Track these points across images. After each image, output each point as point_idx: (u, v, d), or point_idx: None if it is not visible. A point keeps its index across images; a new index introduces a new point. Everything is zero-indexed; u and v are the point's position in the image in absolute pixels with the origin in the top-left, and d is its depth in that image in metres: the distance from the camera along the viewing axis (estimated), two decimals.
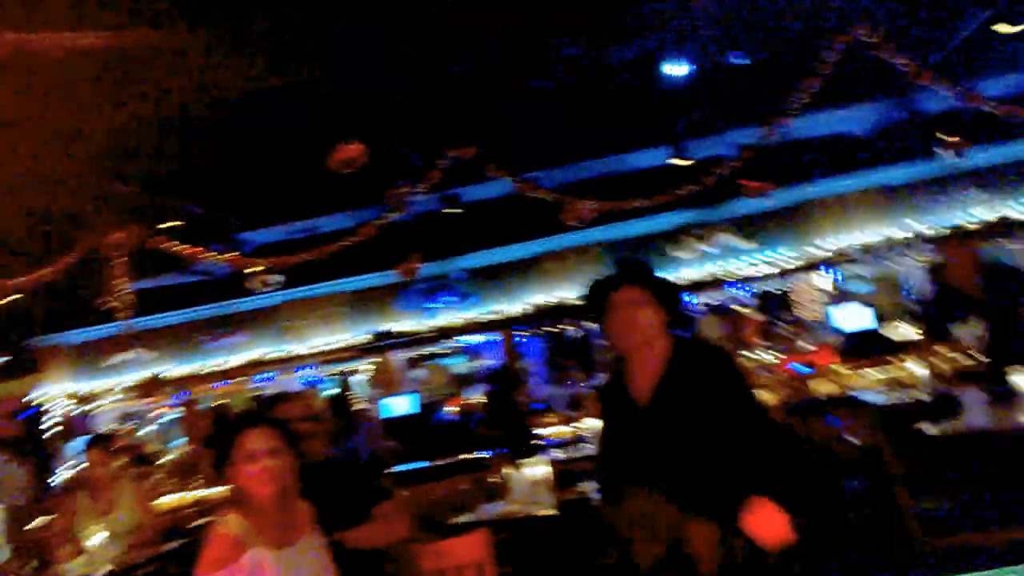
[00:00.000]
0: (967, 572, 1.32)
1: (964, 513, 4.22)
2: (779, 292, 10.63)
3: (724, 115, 8.96)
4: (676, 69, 7.66)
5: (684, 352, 2.98)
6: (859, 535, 4.49)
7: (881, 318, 9.30)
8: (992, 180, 9.93)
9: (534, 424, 8.24)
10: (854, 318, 9.21)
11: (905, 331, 8.84)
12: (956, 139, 9.06)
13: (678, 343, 3.00)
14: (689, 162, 9.57)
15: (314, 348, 10.89)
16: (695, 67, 8.15)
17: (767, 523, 2.65)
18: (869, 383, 7.38)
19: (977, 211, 9.76)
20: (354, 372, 11.60)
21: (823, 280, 10.30)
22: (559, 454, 6.80)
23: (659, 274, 3.09)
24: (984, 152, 9.52)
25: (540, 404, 9.46)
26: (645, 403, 2.96)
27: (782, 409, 7.09)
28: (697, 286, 9.91)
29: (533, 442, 7.43)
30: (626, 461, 2.98)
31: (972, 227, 9.73)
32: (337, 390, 11.12)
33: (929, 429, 4.83)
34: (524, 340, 11.13)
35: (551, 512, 4.69)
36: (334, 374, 11.52)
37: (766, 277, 10.23)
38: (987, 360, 6.11)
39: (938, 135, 8.58)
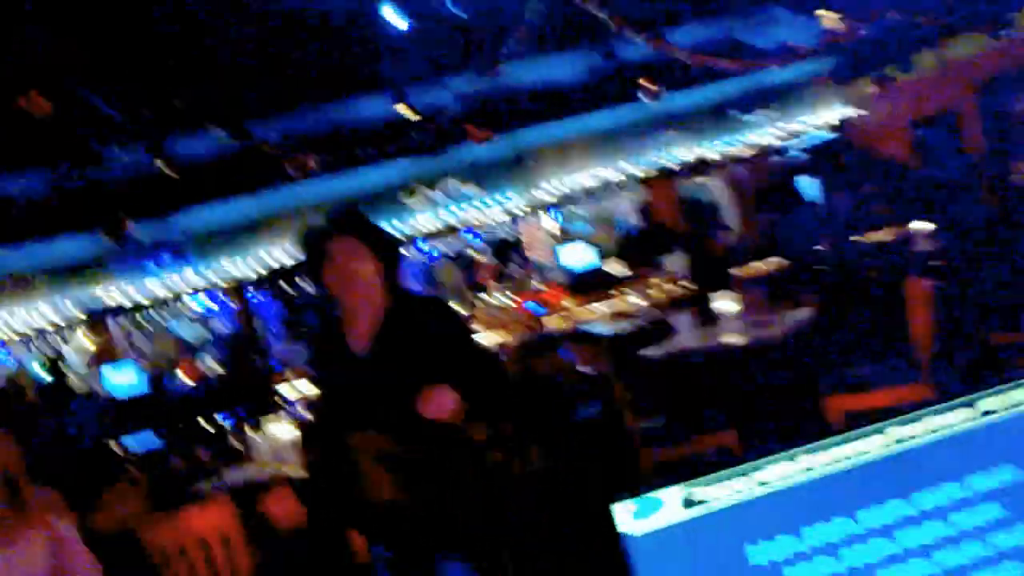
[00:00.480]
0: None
1: (681, 425, 4.68)
2: (510, 236, 11.05)
3: (445, 65, 9.06)
4: (394, 18, 7.60)
5: (402, 303, 2.98)
6: (594, 457, 4.85)
7: (602, 255, 9.97)
8: (688, 123, 10.90)
9: (274, 383, 8.03)
10: (579, 256, 9.80)
11: (623, 266, 9.55)
12: (653, 84, 9.75)
13: (396, 294, 2.99)
14: (414, 112, 9.60)
15: (18, 328, 9.80)
16: (413, 17, 8.14)
17: (435, 400, 2.73)
18: (596, 316, 7.90)
19: (677, 152, 10.68)
20: (73, 348, 10.62)
21: (549, 222, 10.84)
22: (303, 412, 6.67)
23: (375, 222, 3.02)
24: (680, 97, 10.40)
25: (278, 363, 9.22)
26: (364, 354, 2.94)
27: (520, 347, 7.43)
28: (431, 235, 10.06)
29: (274, 401, 7.23)
30: (346, 412, 2.96)
31: (673, 167, 10.64)
32: (49, 371, 10.13)
33: (649, 353, 5.27)
34: (258, 299, 10.75)
35: (300, 472, 4.60)
36: (47, 354, 10.47)
37: (497, 223, 10.57)
38: (693, 287, 6.77)
39: (640, 81, 9.19)
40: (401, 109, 8.85)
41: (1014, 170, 8.09)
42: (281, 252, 10.23)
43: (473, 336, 3.14)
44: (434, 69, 9.01)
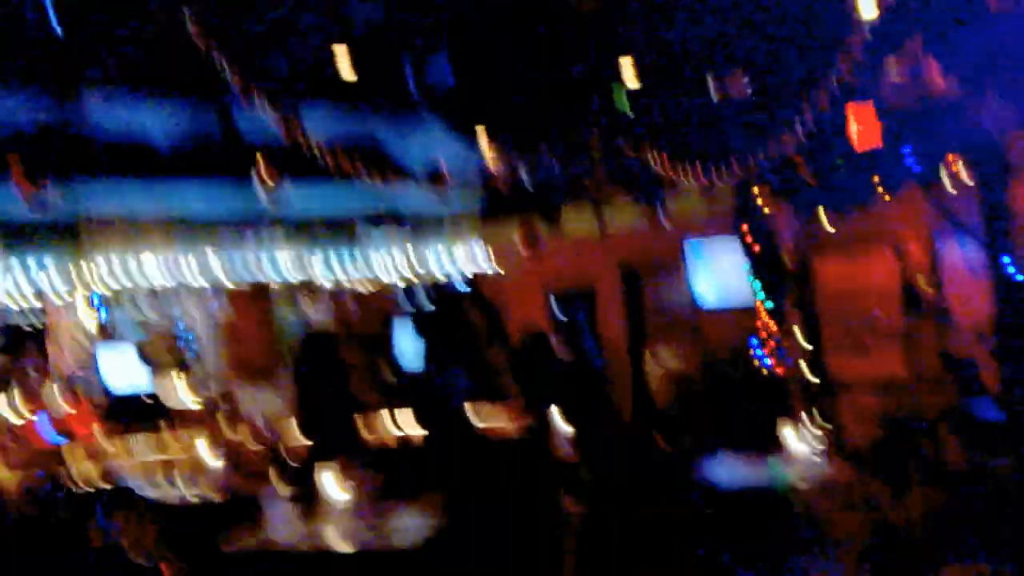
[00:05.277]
0: None
1: None
2: (30, 322, 9.97)
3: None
4: None
5: None
6: None
7: (159, 372, 9.40)
8: (303, 226, 10.83)
9: None
10: (127, 371, 9.12)
11: (185, 395, 9.04)
12: (271, 169, 9.60)
13: None
14: None
15: None
16: None
17: None
18: (139, 464, 7.29)
19: (285, 266, 10.49)
20: None
21: (89, 317, 9.97)
22: None
23: None
24: (302, 194, 10.29)
25: None
26: None
27: (24, 493, 6.55)
28: None
29: None
30: None
31: (274, 285, 10.43)
32: None
33: (230, 544, 4.89)
34: None
35: None
36: None
37: (14, 300, 9.51)
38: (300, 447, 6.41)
39: (258, 164, 8.96)
40: None
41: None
42: None
43: None
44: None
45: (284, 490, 5.56)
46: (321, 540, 5.00)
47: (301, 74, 9.87)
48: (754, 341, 9.27)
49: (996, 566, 4.35)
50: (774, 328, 9.30)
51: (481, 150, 9.68)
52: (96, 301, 9.85)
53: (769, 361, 9.17)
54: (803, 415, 7.31)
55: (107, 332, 9.83)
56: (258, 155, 9.18)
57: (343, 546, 4.92)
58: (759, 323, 9.31)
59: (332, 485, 5.36)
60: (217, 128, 10.21)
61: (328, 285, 10.96)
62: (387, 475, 5.90)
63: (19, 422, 7.90)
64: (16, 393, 8.75)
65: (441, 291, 11.89)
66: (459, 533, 5.25)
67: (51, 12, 7.14)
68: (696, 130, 9.57)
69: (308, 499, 5.37)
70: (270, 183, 9.25)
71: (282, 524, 5.19)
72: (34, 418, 7.91)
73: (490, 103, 10.29)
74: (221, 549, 4.78)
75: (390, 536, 4.99)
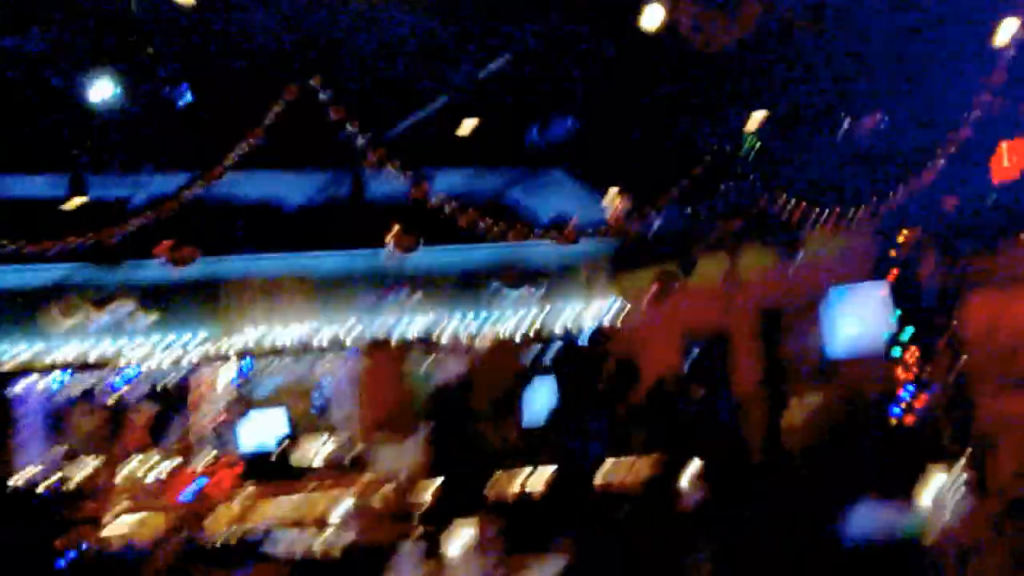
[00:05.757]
0: None
1: None
2: (176, 385, 10.41)
3: (144, 154, 8.63)
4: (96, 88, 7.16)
5: None
6: None
7: (296, 432, 9.67)
8: (435, 286, 11.05)
9: None
10: (265, 430, 9.42)
11: (320, 450, 9.28)
12: (404, 233, 9.85)
13: None
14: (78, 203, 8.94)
15: None
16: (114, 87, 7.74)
17: None
18: (278, 517, 7.48)
19: (416, 320, 10.72)
20: None
21: (231, 376, 10.36)
22: None
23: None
24: (433, 254, 10.51)
25: None
26: None
27: (167, 552, 6.78)
28: (76, 365, 9.33)
29: None
30: None
31: (408, 344, 10.65)
32: None
33: None
34: None
35: None
36: None
37: (165, 366, 9.99)
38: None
39: (391, 227, 9.22)
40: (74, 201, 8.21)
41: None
42: None
43: None
44: (131, 159, 8.56)
45: (414, 544, 5.63)
46: None
47: (430, 135, 10.13)
48: (899, 387, 8.95)
49: None
50: (920, 373, 8.98)
51: (611, 201, 9.71)
52: (237, 363, 10.24)
53: (914, 407, 8.83)
54: (949, 462, 7.01)
55: (247, 392, 10.21)
56: (389, 218, 9.44)
57: None
58: (904, 369, 9.00)
59: (460, 539, 5.43)
60: (350, 193, 10.54)
61: (460, 342, 11.13)
62: (514, 528, 5.93)
63: (161, 478, 8.23)
64: (159, 450, 9.17)
65: (573, 345, 11.91)
66: None
67: (189, 92, 7.52)
68: (834, 171, 9.39)
69: (437, 553, 5.45)
70: (402, 245, 9.49)
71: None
72: (176, 475, 8.22)
73: (619, 154, 10.32)
74: None
75: None
